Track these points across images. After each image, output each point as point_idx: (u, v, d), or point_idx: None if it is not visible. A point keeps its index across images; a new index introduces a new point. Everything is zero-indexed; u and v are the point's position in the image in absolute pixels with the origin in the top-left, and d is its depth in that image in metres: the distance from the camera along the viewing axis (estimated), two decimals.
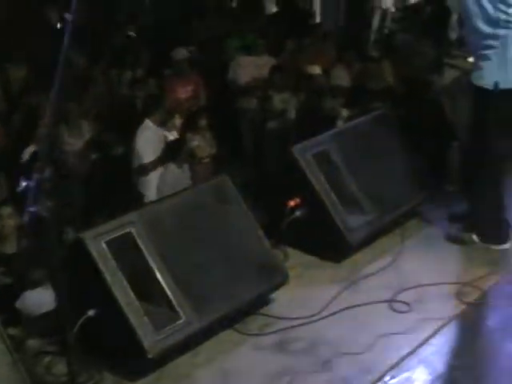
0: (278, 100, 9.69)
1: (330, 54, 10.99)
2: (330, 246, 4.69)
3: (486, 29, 4.44)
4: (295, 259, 4.76)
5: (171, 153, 7.76)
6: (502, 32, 4.40)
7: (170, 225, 3.98)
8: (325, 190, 4.62)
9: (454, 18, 16.31)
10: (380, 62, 11.03)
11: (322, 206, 4.61)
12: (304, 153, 4.67)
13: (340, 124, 8.24)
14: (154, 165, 7.70)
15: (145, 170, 7.66)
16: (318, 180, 4.61)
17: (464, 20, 4.71)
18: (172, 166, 7.68)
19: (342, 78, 10.35)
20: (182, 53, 10.24)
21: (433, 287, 4.48)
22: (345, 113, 8.89)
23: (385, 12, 16.12)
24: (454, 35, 16.48)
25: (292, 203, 4.60)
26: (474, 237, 4.91)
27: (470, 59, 14.82)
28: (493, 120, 4.56)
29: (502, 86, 4.46)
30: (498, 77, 4.44)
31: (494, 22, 4.41)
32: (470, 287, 4.49)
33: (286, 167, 4.83)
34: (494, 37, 4.43)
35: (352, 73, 10.50)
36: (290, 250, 4.78)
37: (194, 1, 13.63)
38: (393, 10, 16.21)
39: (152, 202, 4.25)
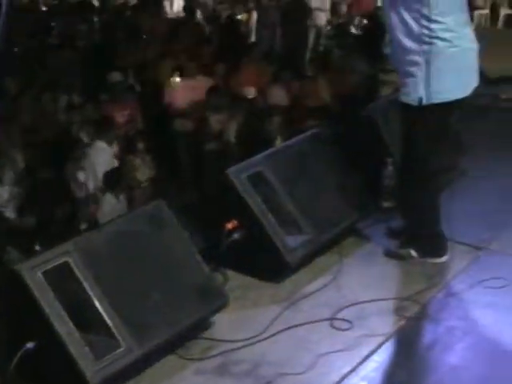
0: (215, 121, 9.70)
1: (265, 73, 11.05)
2: (269, 266, 4.69)
3: (410, 44, 4.48)
4: (235, 281, 4.75)
5: (110, 182, 7.71)
6: (425, 47, 4.45)
7: (107, 253, 3.95)
8: (262, 211, 4.62)
9: (388, 34, 16.60)
10: (316, 80, 11.14)
11: (259, 227, 4.61)
12: (239, 175, 4.67)
13: (278, 144, 8.29)
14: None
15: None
16: (254, 201, 4.62)
17: (389, 36, 4.74)
18: (109, 197, 7.64)
19: (278, 97, 10.42)
20: (117, 77, 10.24)
21: (373, 303, 4.51)
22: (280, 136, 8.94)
23: (319, 30, 16.26)
24: (387, 50, 16.74)
25: (230, 225, 4.60)
26: (412, 252, 4.95)
27: None
28: (422, 136, 4.62)
29: (426, 101, 4.51)
30: (422, 93, 4.50)
31: (417, 38, 4.44)
32: (410, 302, 4.52)
33: (222, 190, 4.82)
34: (418, 53, 4.47)
35: (289, 92, 10.58)
36: (230, 273, 4.77)
37: (129, 25, 13.66)
38: (327, 27, 16.36)
39: (88, 231, 4.20)
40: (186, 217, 5.02)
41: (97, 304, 3.76)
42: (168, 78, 10.68)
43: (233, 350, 4.11)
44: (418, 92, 4.51)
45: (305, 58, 14.69)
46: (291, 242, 4.70)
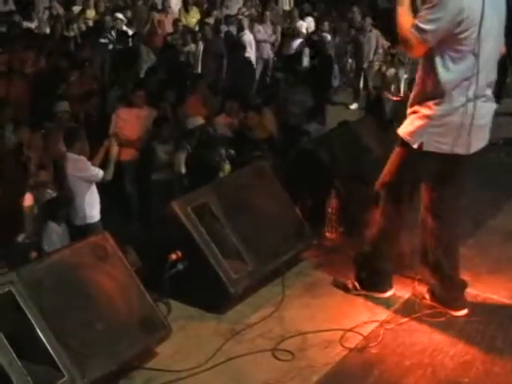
0: (162, 151, 9.72)
1: (211, 104, 11.13)
2: (212, 297, 4.73)
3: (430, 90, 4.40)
4: (178, 312, 4.77)
5: (51, 211, 7.67)
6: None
7: (51, 283, 3.95)
8: (206, 243, 4.67)
9: (336, 66, 16.85)
10: (262, 111, 11.24)
11: (203, 258, 4.65)
12: (184, 206, 4.72)
13: (223, 174, 8.37)
14: None
15: None
16: (198, 233, 4.66)
17: None
18: (54, 226, 7.59)
19: (225, 127, 10.48)
20: (62, 106, 10.21)
21: (315, 334, 4.56)
22: (228, 166, 9.00)
23: (266, 61, 16.42)
24: (336, 83, 16.98)
25: (174, 256, 4.64)
26: (357, 284, 5.00)
27: (352, 106, 15.27)
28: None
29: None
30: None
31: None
32: (352, 333, 4.58)
33: (167, 220, 4.85)
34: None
35: (235, 123, 10.66)
36: (173, 303, 4.79)
37: (76, 53, 13.65)
38: (275, 59, 16.54)
39: (32, 261, 4.20)
40: (133, 247, 5.06)
41: (40, 334, 3.76)
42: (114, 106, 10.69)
43: (176, 380, 4.13)
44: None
45: (251, 90, 14.82)
46: (234, 273, 4.74)
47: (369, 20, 16.45)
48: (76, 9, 18.54)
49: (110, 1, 19.50)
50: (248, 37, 16.01)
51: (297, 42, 16.65)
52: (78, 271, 4.12)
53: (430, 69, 4.28)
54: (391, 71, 17.08)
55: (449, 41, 4.16)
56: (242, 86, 13.56)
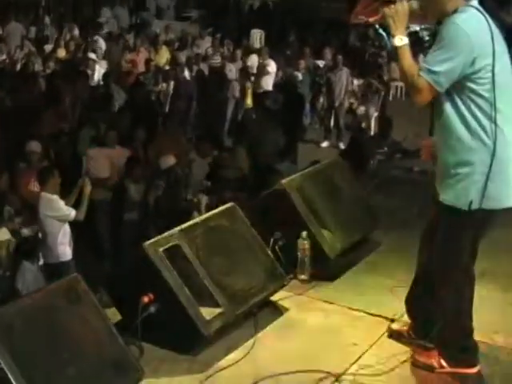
0: (135, 191, 9.74)
1: (181, 143, 11.18)
2: (184, 339, 4.71)
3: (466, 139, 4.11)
4: (151, 354, 4.73)
5: (25, 251, 7.67)
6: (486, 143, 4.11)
7: (22, 327, 3.92)
8: (177, 285, 4.66)
9: (307, 105, 17.00)
10: (234, 150, 11.31)
11: (175, 300, 4.64)
12: (156, 248, 4.72)
13: (196, 215, 8.38)
14: None
15: None
16: (170, 275, 4.66)
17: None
18: (28, 265, 7.58)
19: (197, 167, 10.53)
20: (35, 145, 10.22)
21: (288, 376, 4.54)
22: (204, 201, 9.03)
23: (238, 101, 16.52)
24: (307, 121, 17.13)
25: (146, 299, 4.63)
26: (443, 362, 4.59)
27: (323, 144, 15.41)
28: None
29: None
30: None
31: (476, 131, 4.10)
32: (325, 374, 4.55)
33: (139, 262, 4.85)
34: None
35: (207, 162, 10.72)
36: (146, 346, 4.76)
37: (47, 92, 13.67)
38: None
39: (2, 305, 4.18)
40: (103, 289, 5.05)
41: (12, 379, 3.72)
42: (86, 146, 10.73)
43: None
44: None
45: (223, 129, 14.91)
46: (207, 315, 4.73)
47: (340, 58, 16.61)
48: (47, 48, 18.63)
49: (83, 40, 19.61)
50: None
51: (267, 81, 16.78)
52: (49, 315, 4.10)
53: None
54: (361, 109, 17.29)
55: (462, 84, 3.99)
56: (215, 125, 13.63)
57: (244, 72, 16.72)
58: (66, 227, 8.27)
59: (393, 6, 4.17)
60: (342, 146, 15.65)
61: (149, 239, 4.87)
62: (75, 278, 4.32)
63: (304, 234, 5.68)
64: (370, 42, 19.38)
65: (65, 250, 8.24)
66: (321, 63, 18.34)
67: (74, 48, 18.41)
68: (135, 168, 9.90)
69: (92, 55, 17.06)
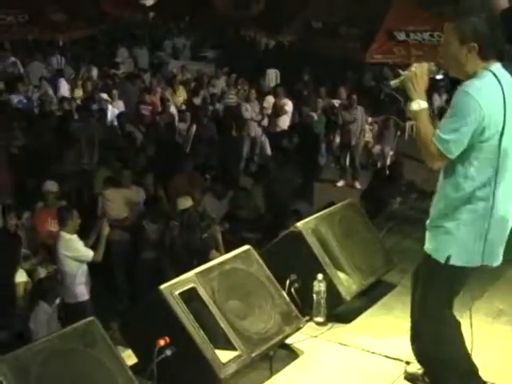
0: (152, 231, 9.78)
1: (199, 184, 11.21)
2: (201, 382, 4.72)
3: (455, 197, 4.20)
4: None
5: (42, 291, 7.70)
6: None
7: (38, 371, 3.94)
8: (193, 328, 4.67)
9: (323, 144, 17.06)
10: (251, 190, 11.35)
11: (191, 343, 4.66)
12: (172, 291, 4.74)
13: (214, 253, 8.42)
14: None
15: None
16: (186, 318, 4.68)
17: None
18: (44, 305, 7.61)
19: (214, 207, 10.56)
20: (51, 185, 10.30)
21: None
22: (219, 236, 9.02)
23: (254, 140, 16.58)
24: (322, 161, 17.18)
25: (162, 342, 4.63)
26: None
27: (339, 184, 15.39)
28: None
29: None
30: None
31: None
32: None
33: (155, 305, 4.87)
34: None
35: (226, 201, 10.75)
36: None
37: (65, 132, 13.78)
38: (263, 137, 16.70)
39: (19, 348, 4.20)
40: (120, 332, 5.07)
41: None
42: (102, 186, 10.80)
43: None
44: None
45: (239, 168, 14.95)
46: (223, 358, 4.74)
47: (355, 97, 16.67)
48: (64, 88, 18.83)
49: (100, 80, 19.81)
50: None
51: (283, 120, 16.86)
52: (66, 358, 4.12)
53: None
54: (377, 148, 17.33)
55: (469, 149, 4.01)
56: (230, 164, 13.69)
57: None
58: (85, 267, 8.33)
59: (413, 68, 4.21)
60: (357, 185, 15.69)
61: (165, 279, 4.90)
62: (92, 322, 4.34)
63: (320, 276, 5.69)
64: (385, 82, 19.46)
65: (83, 290, 8.28)
66: (336, 102, 18.44)
67: (92, 88, 18.59)
68: (153, 208, 9.96)
69: (104, 96, 17.17)
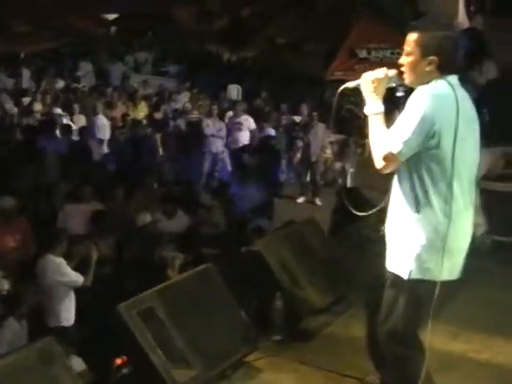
0: (104, 246, 9.67)
1: (159, 199, 11.14)
2: None
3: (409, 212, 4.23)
4: None
5: (8, 307, 7.57)
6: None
7: None
8: (151, 347, 4.67)
9: (283, 161, 17.10)
10: (211, 207, 11.33)
11: (148, 362, 4.65)
12: (129, 310, 4.73)
13: (170, 272, 8.37)
14: None
15: None
16: (144, 337, 4.67)
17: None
18: (12, 321, 7.49)
19: (174, 224, 10.52)
20: (9, 201, 10.17)
21: None
22: (178, 260, 8.98)
23: (215, 156, 16.57)
24: (283, 177, 17.22)
25: (119, 361, 4.62)
26: None
27: (299, 200, 15.35)
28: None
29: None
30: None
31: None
32: None
33: (113, 324, 4.85)
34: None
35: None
36: None
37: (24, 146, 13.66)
38: (224, 153, 16.71)
39: None
40: (77, 351, 5.05)
41: None
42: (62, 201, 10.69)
43: None
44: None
45: (200, 185, 14.93)
46: (180, 378, 4.74)
47: (316, 114, 16.74)
48: (25, 100, 18.67)
49: (61, 94, 19.70)
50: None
51: (244, 136, 16.89)
52: (24, 376, 4.09)
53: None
54: (337, 165, 17.41)
55: (423, 157, 4.05)
56: (191, 180, 13.64)
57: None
58: (72, 292, 8.12)
59: (371, 71, 4.24)
60: (318, 201, 15.71)
61: (124, 296, 4.89)
62: (49, 341, 4.32)
63: (278, 294, 5.71)
64: (346, 99, 19.57)
65: (68, 314, 8.08)
66: (297, 119, 18.49)
67: (50, 102, 18.45)
68: (101, 223, 9.78)
69: (59, 110, 17.07)
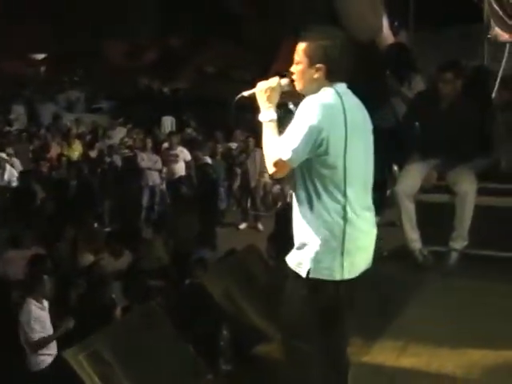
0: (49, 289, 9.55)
1: (99, 237, 11.09)
2: None
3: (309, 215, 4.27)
4: None
5: None
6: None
7: None
8: None
9: (221, 189, 17.15)
10: (151, 241, 11.32)
11: None
12: (75, 355, 4.70)
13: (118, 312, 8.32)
14: None
15: None
16: (91, 382, 4.65)
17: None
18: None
19: (116, 261, 10.47)
20: None
21: None
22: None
23: (153, 188, 16.57)
24: (223, 205, 17.26)
25: None
26: None
27: (241, 227, 15.38)
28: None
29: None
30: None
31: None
32: None
33: (59, 369, 4.83)
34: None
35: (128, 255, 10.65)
36: None
37: None
38: (162, 185, 16.72)
39: None
40: None
41: None
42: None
43: None
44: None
45: (140, 219, 14.90)
46: None
47: (251, 139, 16.81)
48: None
49: None
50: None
51: (180, 168, 16.91)
52: None
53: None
54: (276, 188, 17.52)
55: (314, 163, 4.12)
56: (130, 216, 13.62)
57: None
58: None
59: (264, 81, 4.33)
60: (260, 226, 15.78)
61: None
62: None
63: (224, 325, 5.72)
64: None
65: (47, 358, 7.87)
66: (233, 145, 18.59)
67: None
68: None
69: (2, 154, 16.89)
